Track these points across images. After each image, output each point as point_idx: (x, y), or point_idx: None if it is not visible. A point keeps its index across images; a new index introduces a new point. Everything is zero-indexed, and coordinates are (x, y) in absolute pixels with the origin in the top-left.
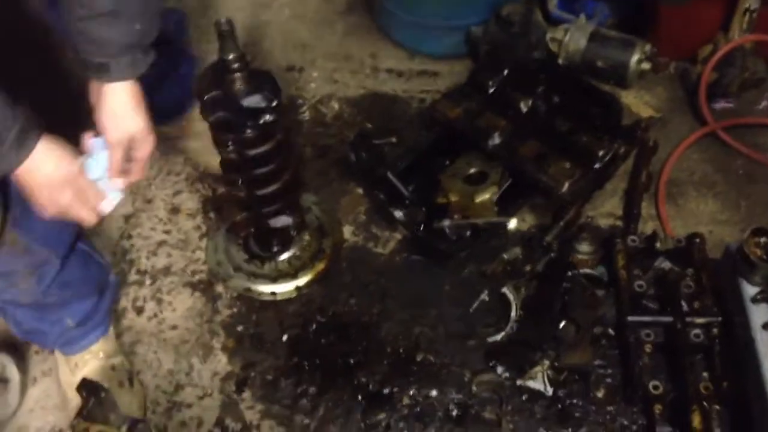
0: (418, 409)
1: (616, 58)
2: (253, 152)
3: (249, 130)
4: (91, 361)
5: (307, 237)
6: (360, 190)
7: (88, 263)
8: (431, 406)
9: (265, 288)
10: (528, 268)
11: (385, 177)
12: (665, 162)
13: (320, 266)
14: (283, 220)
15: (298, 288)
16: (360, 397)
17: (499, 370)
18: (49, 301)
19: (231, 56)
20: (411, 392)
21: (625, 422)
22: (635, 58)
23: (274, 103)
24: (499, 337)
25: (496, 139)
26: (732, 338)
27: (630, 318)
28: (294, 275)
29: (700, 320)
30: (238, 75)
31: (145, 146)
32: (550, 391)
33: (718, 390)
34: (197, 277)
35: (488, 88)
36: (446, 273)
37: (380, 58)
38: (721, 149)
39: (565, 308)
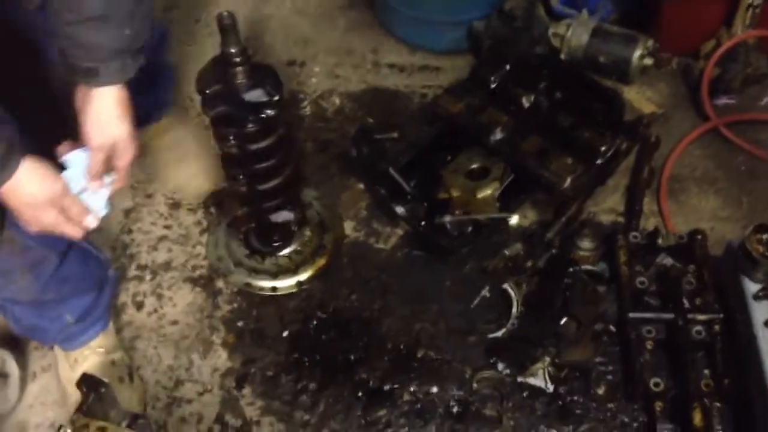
0: (419, 405)
1: (618, 53)
2: (254, 147)
3: (250, 125)
4: (90, 356)
5: (308, 232)
6: (361, 186)
7: (87, 259)
8: (432, 402)
9: (266, 283)
10: (529, 264)
11: (386, 172)
12: (667, 158)
13: (321, 262)
14: (284, 216)
15: (298, 283)
16: (360, 394)
17: (500, 366)
18: (47, 298)
19: (233, 50)
20: (411, 389)
21: (626, 419)
22: (637, 53)
23: (276, 98)
24: (500, 333)
25: (498, 135)
26: (734, 335)
27: (631, 314)
28: (295, 271)
29: (701, 317)
30: (239, 69)
31: (127, 154)
32: (551, 387)
33: (720, 387)
34: (198, 273)
35: (490, 84)
36: (447, 269)
37: (382, 53)
38: (723, 145)
39: (566, 305)
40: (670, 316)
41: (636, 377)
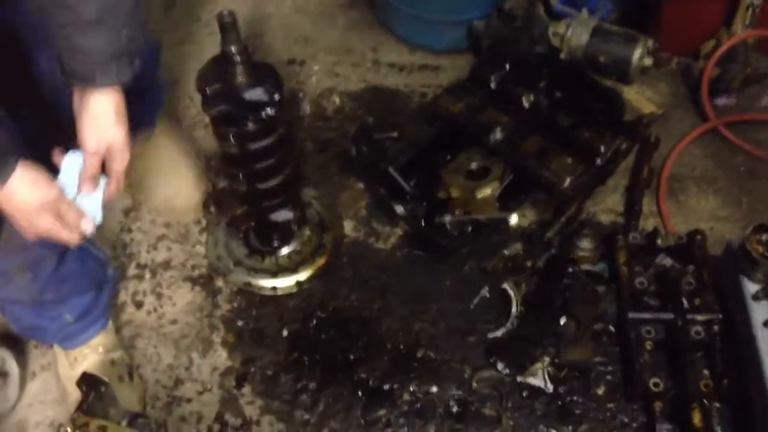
0: (419, 405)
1: (618, 53)
2: (254, 146)
3: (250, 124)
4: (90, 355)
5: (307, 232)
6: (361, 185)
7: (86, 259)
8: (431, 402)
9: (266, 283)
10: (529, 264)
11: (386, 172)
12: (666, 158)
13: (321, 261)
14: (283, 215)
15: (298, 283)
16: (360, 393)
17: (500, 366)
18: (46, 298)
19: (233, 49)
20: (411, 388)
21: (626, 419)
22: (637, 53)
23: (276, 97)
24: (499, 333)
25: (498, 135)
26: (733, 335)
27: (631, 315)
28: (294, 270)
29: (700, 317)
30: (240, 68)
31: (123, 158)
32: (550, 387)
33: (719, 387)
34: (197, 272)
35: (490, 83)
36: (447, 269)
37: (382, 52)
38: (723, 145)
39: (565, 304)
40: (669, 316)
41: (635, 377)
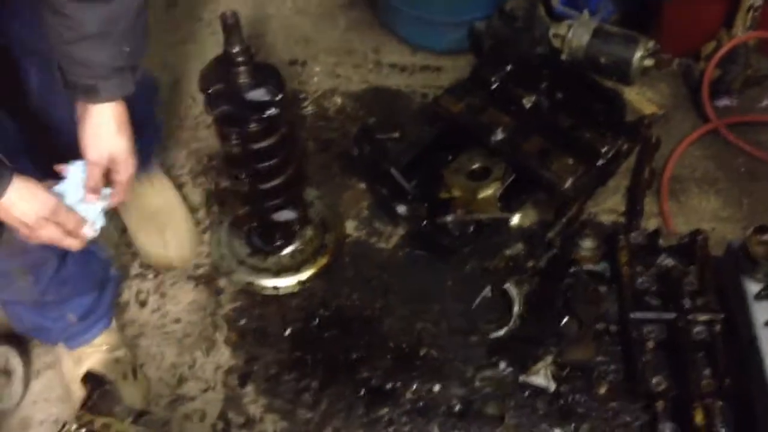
0: (421, 404)
1: (619, 54)
2: (257, 146)
3: (253, 124)
4: (94, 354)
5: (309, 231)
6: (362, 185)
7: (88, 259)
8: (434, 401)
9: (268, 282)
10: (530, 264)
11: (387, 172)
12: (668, 159)
13: (323, 261)
14: (286, 215)
15: (300, 282)
16: (362, 392)
17: (502, 365)
18: (48, 299)
19: (236, 49)
20: (413, 387)
21: (628, 419)
22: (638, 54)
23: (279, 97)
24: (501, 332)
25: (499, 135)
26: (735, 335)
27: (632, 314)
28: (297, 270)
29: (702, 317)
30: (242, 68)
31: (127, 169)
32: (552, 387)
33: (721, 387)
34: (200, 271)
35: (491, 84)
36: (449, 269)
37: (383, 53)
38: (724, 146)
39: (567, 304)
40: (671, 316)
41: (637, 377)
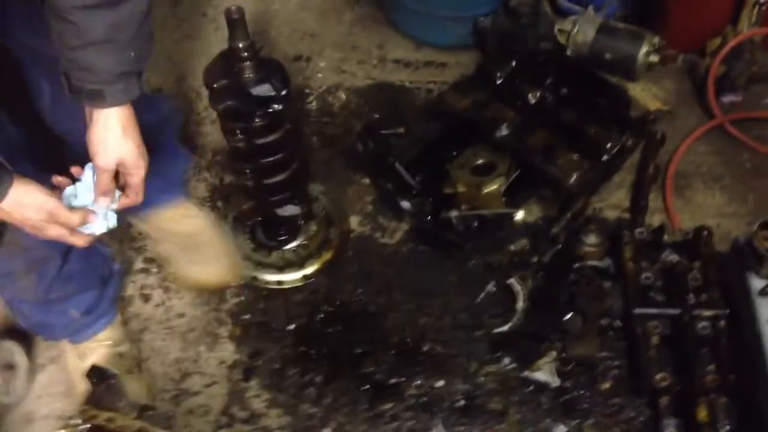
0: (425, 399)
1: (624, 50)
2: (261, 141)
3: (257, 119)
4: (98, 349)
5: (314, 226)
6: (367, 181)
7: (90, 256)
8: (437, 396)
9: (272, 277)
10: (535, 259)
11: (392, 167)
12: (672, 154)
13: (327, 256)
14: (290, 210)
15: (304, 277)
16: (366, 387)
17: (506, 361)
18: (51, 297)
19: (240, 44)
20: (417, 382)
21: (632, 414)
22: (643, 50)
23: (283, 92)
24: (505, 328)
25: (504, 131)
26: (739, 331)
27: (637, 310)
28: (301, 265)
29: (707, 313)
30: (247, 63)
31: (138, 171)
32: (556, 382)
33: (725, 383)
34: None
35: (496, 79)
36: (453, 264)
37: (387, 49)
38: (729, 142)
39: (571, 300)
40: (675, 311)
41: (641, 372)
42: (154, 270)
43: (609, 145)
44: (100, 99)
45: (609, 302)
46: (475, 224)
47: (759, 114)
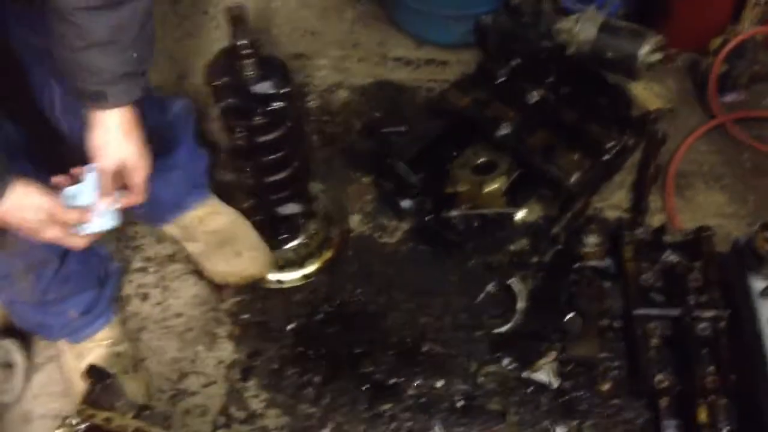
0: (424, 399)
1: (625, 49)
2: (262, 139)
3: (259, 117)
4: (96, 349)
5: (314, 225)
6: (367, 179)
7: (88, 256)
8: (437, 396)
9: (272, 276)
10: (535, 259)
11: (392, 166)
12: (673, 154)
13: (328, 255)
14: (291, 208)
15: (304, 276)
16: (365, 387)
17: (505, 361)
18: (49, 298)
19: (242, 42)
20: (416, 383)
21: (631, 415)
22: (645, 49)
23: (285, 90)
24: (505, 328)
25: (505, 130)
26: (739, 332)
27: (637, 311)
28: (301, 264)
29: (707, 314)
30: (248, 61)
31: (139, 172)
32: (556, 383)
33: (725, 384)
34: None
35: (497, 78)
36: (453, 263)
37: (388, 47)
38: (730, 142)
39: (571, 300)
40: (675, 312)
41: (641, 373)
42: (152, 269)
43: (610, 145)
44: (102, 100)
45: (609, 302)
46: (476, 224)
47: (760, 113)
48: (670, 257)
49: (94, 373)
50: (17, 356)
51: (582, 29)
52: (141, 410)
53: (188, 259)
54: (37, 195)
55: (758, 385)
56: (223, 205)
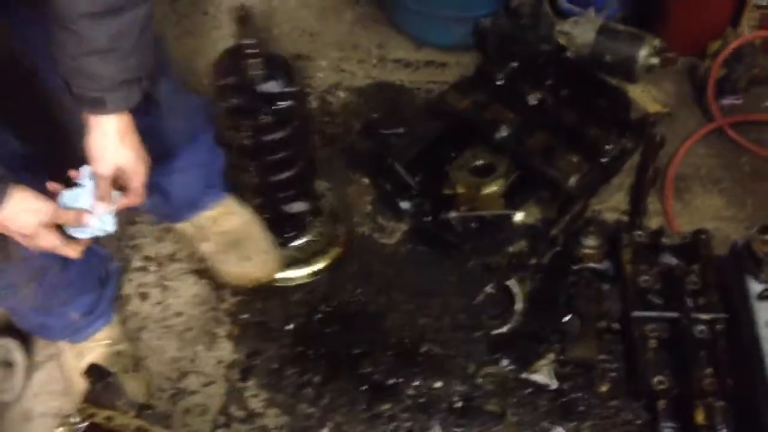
0: (422, 400)
1: (624, 52)
2: (269, 138)
3: (265, 116)
4: (96, 348)
5: (320, 223)
6: (366, 180)
7: (89, 258)
8: (435, 397)
9: (279, 274)
10: (533, 261)
11: (391, 167)
12: (672, 157)
13: (334, 252)
14: (298, 206)
15: (311, 274)
16: (364, 388)
17: (504, 362)
18: (51, 303)
19: (247, 42)
20: (415, 383)
21: (629, 417)
22: (644, 52)
23: (290, 89)
24: (504, 329)
25: (504, 132)
26: (737, 335)
27: (635, 313)
28: (308, 261)
29: (705, 316)
30: (254, 61)
31: (137, 176)
32: (554, 384)
33: (723, 386)
34: (203, 265)
35: (496, 80)
36: (452, 265)
37: (388, 48)
38: (728, 145)
39: (570, 302)
40: (673, 315)
41: (639, 375)
42: (152, 268)
43: (608, 147)
44: (101, 106)
45: (607, 305)
46: (474, 225)
47: (759, 117)
48: (669, 260)
49: (94, 371)
50: (17, 355)
51: (581, 32)
52: (141, 409)
53: (190, 258)
54: (34, 199)
55: (756, 388)
56: (239, 206)
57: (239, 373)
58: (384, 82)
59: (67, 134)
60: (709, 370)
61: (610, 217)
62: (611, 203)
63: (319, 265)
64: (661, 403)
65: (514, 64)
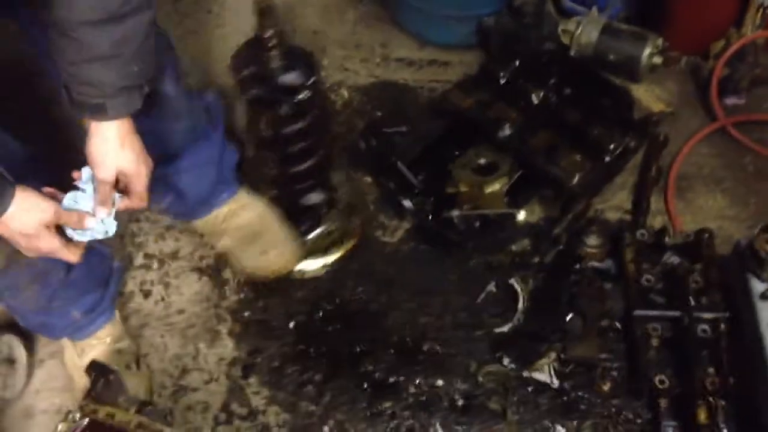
0: (424, 398)
1: (627, 51)
2: (289, 129)
3: (285, 107)
4: (98, 346)
5: (335, 215)
6: (369, 179)
7: (91, 258)
8: (437, 395)
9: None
10: (536, 260)
11: (394, 166)
12: (675, 157)
13: (349, 244)
14: (314, 198)
15: (326, 265)
16: (365, 386)
17: (506, 361)
18: (54, 305)
19: (268, 33)
20: (417, 381)
21: (631, 416)
22: (647, 51)
23: (311, 80)
24: (505, 328)
25: (507, 130)
26: (739, 334)
27: (637, 312)
28: (324, 253)
29: (707, 315)
30: (274, 52)
31: (139, 180)
32: (555, 383)
33: (725, 386)
34: (205, 262)
35: (500, 79)
36: (454, 263)
37: (391, 47)
38: (731, 145)
39: (572, 301)
40: (676, 314)
41: (641, 374)
42: (155, 266)
43: (612, 147)
44: (101, 112)
45: (610, 304)
46: (477, 224)
47: (761, 117)
48: (671, 259)
49: (96, 369)
50: (19, 352)
51: (584, 31)
52: (143, 406)
53: (192, 256)
54: (37, 198)
55: (758, 388)
56: (252, 198)
57: (241, 371)
58: (387, 81)
59: (68, 135)
60: (711, 370)
61: (612, 216)
62: (614, 202)
63: (334, 257)
64: (663, 402)
65: (518, 63)
